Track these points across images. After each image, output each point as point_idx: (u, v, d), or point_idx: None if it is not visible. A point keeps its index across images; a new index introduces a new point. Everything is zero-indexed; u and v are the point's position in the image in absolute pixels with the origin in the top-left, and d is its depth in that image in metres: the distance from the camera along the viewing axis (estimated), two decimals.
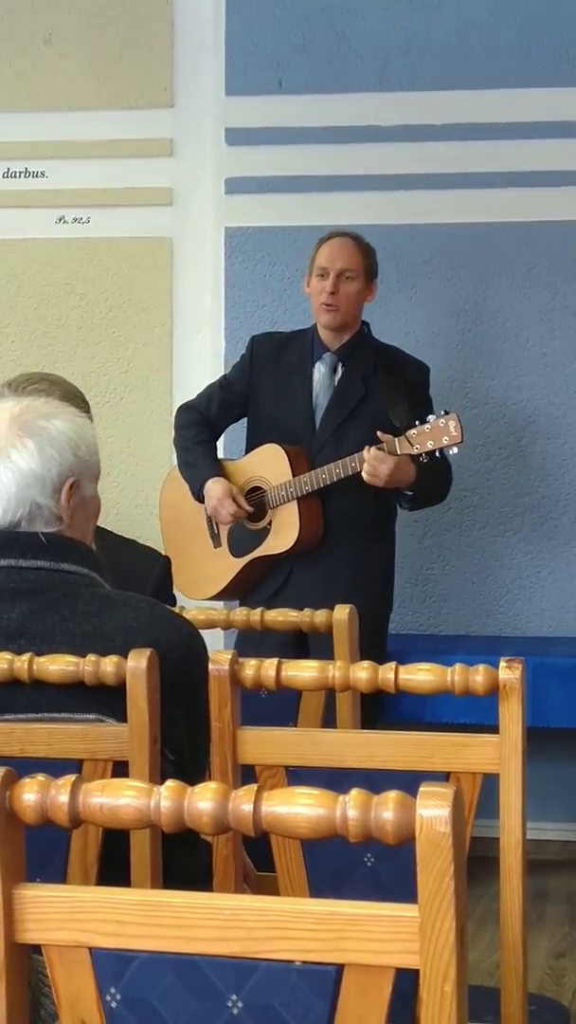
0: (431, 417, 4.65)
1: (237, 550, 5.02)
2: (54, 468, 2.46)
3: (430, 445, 4.62)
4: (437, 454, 4.64)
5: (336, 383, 4.98)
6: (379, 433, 4.66)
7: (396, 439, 4.65)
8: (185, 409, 5.17)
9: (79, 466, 2.49)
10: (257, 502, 4.96)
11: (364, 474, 4.67)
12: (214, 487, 4.96)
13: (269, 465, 4.94)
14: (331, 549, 4.91)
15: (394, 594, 5.16)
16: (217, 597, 5.08)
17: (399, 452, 4.64)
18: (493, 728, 2.36)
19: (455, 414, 4.64)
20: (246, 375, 5.09)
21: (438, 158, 5.62)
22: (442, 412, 4.66)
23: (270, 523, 4.94)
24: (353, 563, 4.92)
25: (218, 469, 5.02)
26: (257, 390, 5.06)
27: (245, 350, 5.15)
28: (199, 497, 5.01)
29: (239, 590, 5.05)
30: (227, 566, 5.04)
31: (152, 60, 5.83)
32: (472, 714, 4.62)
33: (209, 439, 5.12)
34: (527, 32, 5.59)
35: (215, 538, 5.08)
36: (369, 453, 4.64)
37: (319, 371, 5.00)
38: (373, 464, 4.65)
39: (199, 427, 5.10)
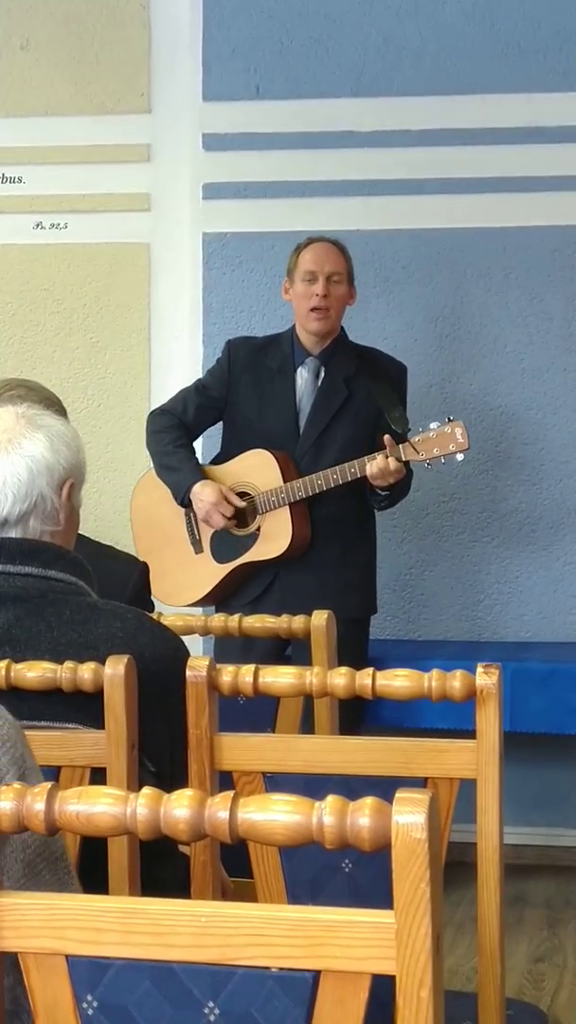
0: (434, 424, 4.70)
1: (221, 556, 4.99)
2: (63, 461, 2.50)
3: (436, 452, 4.68)
4: (443, 461, 4.68)
5: (319, 387, 4.98)
6: (386, 438, 4.66)
7: (400, 446, 4.66)
8: (160, 413, 5.13)
9: (78, 470, 2.54)
10: (245, 507, 4.94)
11: (374, 479, 4.69)
12: (204, 490, 4.92)
13: (257, 470, 4.92)
14: (317, 552, 4.91)
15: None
16: (199, 603, 5.05)
17: (404, 459, 4.66)
18: (471, 733, 2.37)
19: (460, 421, 4.70)
20: (224, 379, 5.07)
21: (415, 163, 5.63)
22: (447, 419, 4.72)
23: (258, 529, 4.92)
24: (339, 565, 4.93)
25: (202, 473, 5.00)
26: (236, 395, 5.04)
27: (222, 354, 5.13)
28: (184, 501, 4.99)
29: (221, 595, 5.03)
30: (211, 572, 5.01)
31: (129, 65, 5.82)
32: (450, 719, 4.62)
33: (188, 443, 5.09)
34: (504, 37, 5.60)
35: (196, 543, 5.04)
36: (382, 464, 4.65)
37: (302, 376, 5.00)
38: (383, 475, 4.67)
39: (177, 431, 5.06)
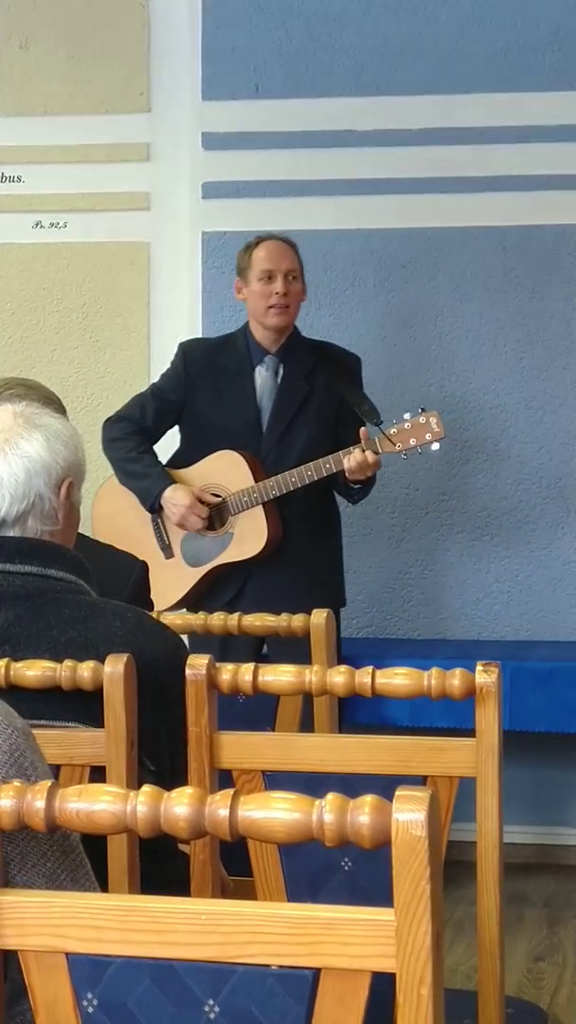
0: (408, 415, 4.71)
1: (194, 559, 4.94)
2: (60, 460, 2.50)
3: (412, 443, 4.68)
4: (419, 451, 4.69)
5: (279, 384, 4.97)
6: (361, 431, 4.67)
7: (376, 438, 4.67)
8: (117, 420, 5.06)
9: (76, 468, 2.53)
10: (214, 509, 4.91)
11: (352, 474, 4.68)
12: (177, 494, 4.88)
13: (226, 471, 4.89)
14: (288, 550, 4.89)
15: (354, 593, 5.19)
16: (173, 608, 4.97)
17: (381, 451, 4.66)
18: (470, 732, 2.37)
19: (435, 411, 4.73)
20: (180, 382, 5.02)
21: (415, 162, 5.63)
22: (420, 410, 4.73)
23: (231, 530, 4.90)
24: (309, 561, 4.92)
25: (170, 477, 4.96)
26: (194, 396, 4.99)
27: (175, 356, 5.09)
28: (154, 507, 4.97)
29: (194, 598, 4.96)
30: (184, 576, 4.95)
31: (129, 65, 5.82)
32: (449, 718, 4.62)
33: (150, 448, 5.03)
34: (504, 36, 5.60)
35: (166, 548, 4.97)
36: (360, 458, 4.64)
37: (260, 375, 4.98)
38: (361, 469, 4.66)
39: (138, 437, 5.01)
